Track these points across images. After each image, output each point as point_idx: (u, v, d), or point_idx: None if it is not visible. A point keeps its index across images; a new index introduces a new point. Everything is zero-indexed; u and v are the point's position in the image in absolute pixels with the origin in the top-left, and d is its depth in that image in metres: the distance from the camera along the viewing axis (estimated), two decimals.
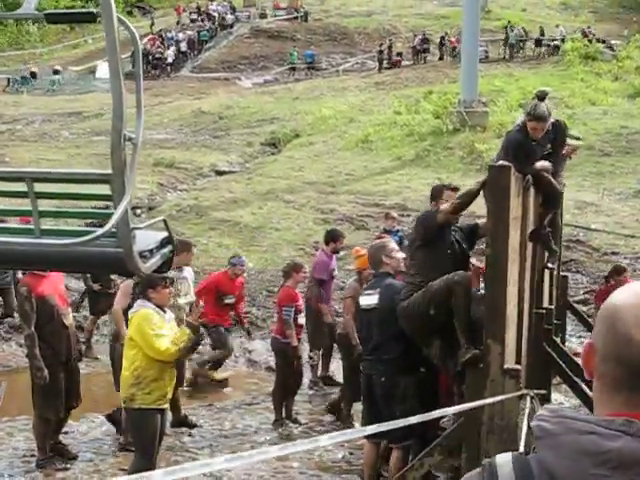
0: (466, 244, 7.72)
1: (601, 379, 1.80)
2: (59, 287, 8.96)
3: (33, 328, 8.76)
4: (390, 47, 51.73)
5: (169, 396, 8.01)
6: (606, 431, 1.68)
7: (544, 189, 8.42)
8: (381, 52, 50.77)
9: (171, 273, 10.46)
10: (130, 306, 9.03)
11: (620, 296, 1.80)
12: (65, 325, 8.91)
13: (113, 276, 12.85)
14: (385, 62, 50.47)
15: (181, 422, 10.67)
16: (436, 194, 8.81)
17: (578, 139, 12.77)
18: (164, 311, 7.95)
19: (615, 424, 1.69)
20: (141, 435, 8.02)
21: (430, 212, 7.83)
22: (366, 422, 7.93)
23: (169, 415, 8.41)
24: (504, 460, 1.80)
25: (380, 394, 7.96)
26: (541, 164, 8.08)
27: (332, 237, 12.86)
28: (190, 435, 10.47)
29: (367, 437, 8.19)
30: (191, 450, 10.00)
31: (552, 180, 8.40)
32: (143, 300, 7.99)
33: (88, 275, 13.08)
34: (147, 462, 7.84)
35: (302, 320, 11.15)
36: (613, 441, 1.66)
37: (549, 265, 10.18)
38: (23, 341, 10.01)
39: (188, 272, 10.98)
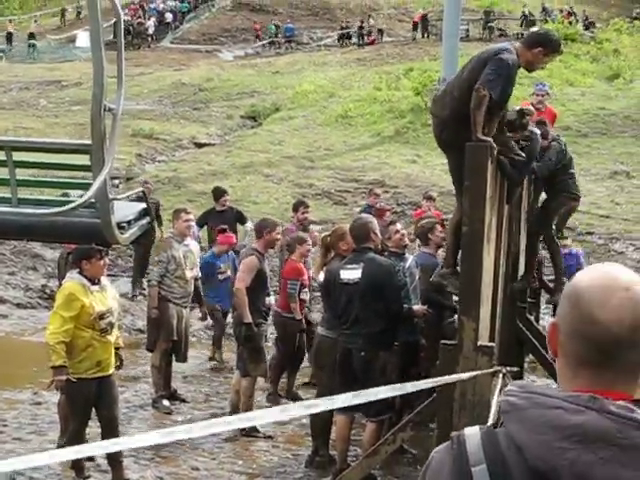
0: None
1: (565, 357, 1.88)
2: None
3: None
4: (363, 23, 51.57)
5: (107, 363, 8.04)
6: (572, 406, 1.74)
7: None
8: (361, 28, 50.78)
9: (175, 246, 10.49)
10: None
11: (583, 277, 1.87)
12: None
13: None
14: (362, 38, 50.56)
15: (171, 396, 10.73)
16: None
17: None
18: (97, 282, 7.99)
19: (581, 399, 1.75)
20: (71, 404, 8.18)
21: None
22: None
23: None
24: (472, 433, 1.86)
25: (359, 368, 8.01)
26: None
27: (293, 207, 13.08)
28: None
29: (341, 411, 8.25)
30: (171, 420, 10.07)
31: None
32: (73, 272, 8.06)
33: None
34: (74, 433, 7.97)
35: (305, 295, 10.97)
36: (578, 416, 1.73)
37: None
38: None
39: (193, 244, 10.96)
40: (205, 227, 14.58)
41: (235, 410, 9.77)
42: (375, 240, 8.28)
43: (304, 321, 10.75)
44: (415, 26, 50.15)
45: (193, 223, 11.03)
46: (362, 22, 51.67)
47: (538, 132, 8.21)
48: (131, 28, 52.96)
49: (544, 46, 6.94)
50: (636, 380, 1.85)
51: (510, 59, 6.71)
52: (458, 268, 7.12)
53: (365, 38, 50.74)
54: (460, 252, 6.87)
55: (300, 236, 10.93)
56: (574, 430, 1.71)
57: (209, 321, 13.30)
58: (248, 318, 9.56)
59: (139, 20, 55.01)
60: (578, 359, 1.84)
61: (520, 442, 1.76)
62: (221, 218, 14.02)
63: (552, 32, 7.33)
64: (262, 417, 5.99)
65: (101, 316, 7.86)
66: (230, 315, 11.71)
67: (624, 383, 1.82)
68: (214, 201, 14.70)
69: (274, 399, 10.71)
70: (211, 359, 12.49)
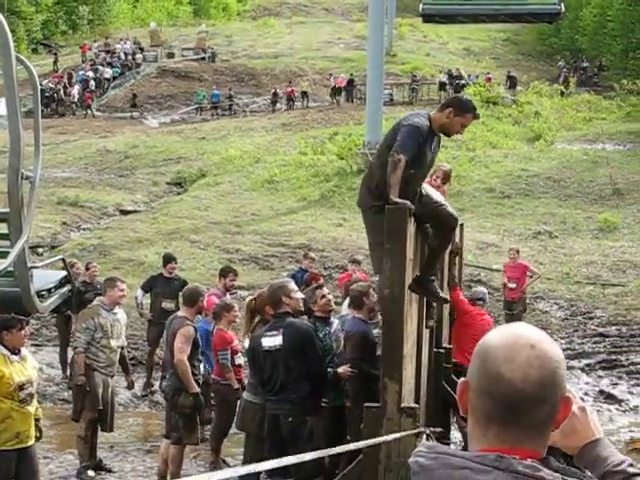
0: None
1: (474, 414, 1.89)
2: None
3: None
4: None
5: (26, 435, 7.92)
6: (479, 466, 1.76)
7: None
8: (275, 94, 51.84)
9: (103, 314, 10.34)
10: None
11: (492, 336, 1.90)
12: None
13: None
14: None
15: (97, 466, 10.54)
16: None
17: None
18: (17, 352, 7.88)
19: (487, 459, 1.77)
20: None
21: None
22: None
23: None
24: None
25: (286, 434, 7.95)
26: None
27: (221, 273, 12.91)
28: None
29: (270, 478, 8.18)
30: None
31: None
32: None
33: None
34: None
35: (240, 360, 10.69)
36: (485, 475, 1.74)
37: (429, 323, 8.69)
38: None
39: (121, 313, 10.75)
40: (150, 293, 14.28)
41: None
42: (290, 304, 8.23)
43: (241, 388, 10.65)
44: (335, 91, 50.95)
45: (126, 293, 10.87)
46: (275, 89, 52.80)
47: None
48: (55, 96, 52.81)
49: (453, 106, 7.12)
50: (544, 438, 1.87)
51: (418, 123, 6.90)
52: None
53: (280, 103, 51.83)
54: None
55: (227, 303, 10.78)
56: None
57: (135, 390, 13.12)
58: (195, 388, 9.51)
59: (64, 88, 54.80)
60: (486, 416, 1.86)
61: None
62: (168, 285, 13.95)
63: (463, 95, 7.57)
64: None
65: (21, 387, 7.74)
66: (163, 383, 11.37)
67: (531, 440, 1.84)
68: (163, 267, 14.51)
69: (217, 467, 10.53)
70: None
